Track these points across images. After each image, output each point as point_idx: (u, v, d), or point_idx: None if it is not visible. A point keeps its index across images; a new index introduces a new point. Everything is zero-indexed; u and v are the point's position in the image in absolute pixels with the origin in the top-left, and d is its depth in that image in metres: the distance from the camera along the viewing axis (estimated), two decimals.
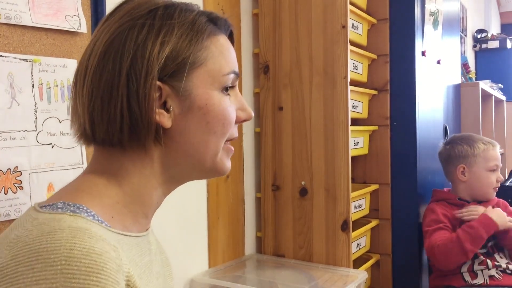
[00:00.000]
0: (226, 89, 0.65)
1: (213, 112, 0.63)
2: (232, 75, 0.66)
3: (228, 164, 0.68)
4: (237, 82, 0.69)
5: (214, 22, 0.66)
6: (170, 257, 0.80)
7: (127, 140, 0.60)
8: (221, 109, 0.64)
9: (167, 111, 0.61)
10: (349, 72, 1.65)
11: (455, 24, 2.63)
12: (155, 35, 0.60)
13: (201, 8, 0.67)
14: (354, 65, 1.81)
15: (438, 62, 2.23)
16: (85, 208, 0.56)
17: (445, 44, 2.34)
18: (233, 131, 0.68)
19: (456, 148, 1.95)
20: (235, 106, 0.67)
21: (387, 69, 1.94)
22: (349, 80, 1.65)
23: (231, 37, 0.70)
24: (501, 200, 1.97)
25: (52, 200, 0.58)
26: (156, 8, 0.62)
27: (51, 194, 0.82)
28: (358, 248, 1.83)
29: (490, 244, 1.82)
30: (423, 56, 2.00)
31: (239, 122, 0.69)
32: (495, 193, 1.93)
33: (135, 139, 0.61)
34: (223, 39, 0.67)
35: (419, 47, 1.95)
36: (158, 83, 0.60)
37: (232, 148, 0.69)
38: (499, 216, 1.75)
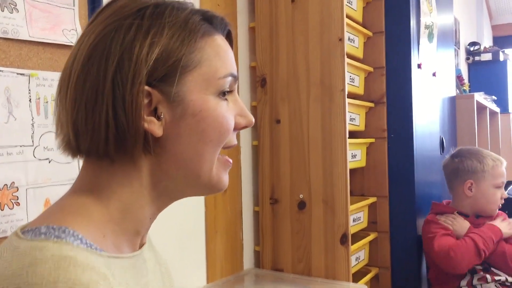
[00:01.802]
0: (223, 94, 0.60)
1: (208, 119, 0.58)
2: (229, 78, 0.61)
3: (225, 178, 0.63)
4: (236, 86, 0.63)
5: (209, 21, 0.61)
6: None
7: (113, 151, 0.55)
8: (217, 115, 0.59)
9: (158, 118, 0.57)
10: (346, 84, 1.65)
11: (449, 36, 2.66)
12: (143, 36, 0.55)
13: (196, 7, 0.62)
14: (351, 77, 1.81)
15: (434, 75, 2.24)
16: (71, 232, 0.51)
17: (440, 57, 2.36)
18: (231, 138, 0.62)
19: (465, 163, 1.93)
20: (233, 111, 0.62)
21: (384, 81, 1.95)
22: (346, 93, 1.65)
23: (229, 37, 0.65)
24: (503, 214, 1.94)
25: (36, 223, 0.53)
26: (145, 7, 0.57)
27: None
28: (357, 262, 1.82)
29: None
30: (419, 69, 2.01)
31: (239, 129, 0.63)
32: (498, 210, 1.93)
33: (122, 150, 0.56)
34: (219, 39, 0.62)
35: (415, 59, 1.96)
36: (146, 88, 0.55)
37: (230, 161, 0.64)
38: (503, 226, 1.82)
